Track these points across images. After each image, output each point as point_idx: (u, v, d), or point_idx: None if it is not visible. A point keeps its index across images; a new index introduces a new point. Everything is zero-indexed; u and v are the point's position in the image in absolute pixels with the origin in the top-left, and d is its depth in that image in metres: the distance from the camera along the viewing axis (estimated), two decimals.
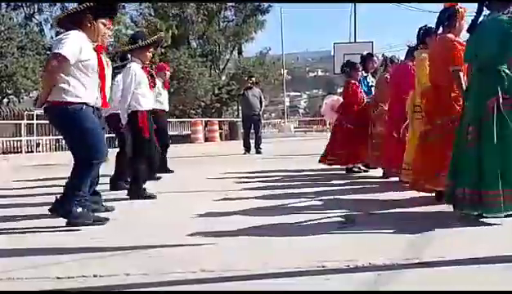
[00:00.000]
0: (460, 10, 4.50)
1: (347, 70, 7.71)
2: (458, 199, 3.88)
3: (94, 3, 3.94)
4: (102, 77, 4.11)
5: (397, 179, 6.07)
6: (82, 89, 3.91)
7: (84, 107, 3.92)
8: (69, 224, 3.93)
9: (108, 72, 4.54)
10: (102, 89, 4.15)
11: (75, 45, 3.83)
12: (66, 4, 22.24)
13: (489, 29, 3.87)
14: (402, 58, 6.71)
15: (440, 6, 4.67)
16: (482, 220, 3.80)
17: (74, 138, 4.05)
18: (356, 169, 7.56)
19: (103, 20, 4.08)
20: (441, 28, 4.61)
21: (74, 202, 3.92)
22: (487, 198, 3.68)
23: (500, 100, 3.71)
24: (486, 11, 3.96)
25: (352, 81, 7.56)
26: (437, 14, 4.63)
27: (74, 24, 3.98)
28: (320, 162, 7.71)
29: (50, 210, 3.99)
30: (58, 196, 4.01)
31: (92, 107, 4.05)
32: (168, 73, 8.51)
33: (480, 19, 3.99)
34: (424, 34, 5.47)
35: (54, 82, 3.84)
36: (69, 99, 3.86)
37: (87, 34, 3.99)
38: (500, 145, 3.70)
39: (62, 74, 3.84)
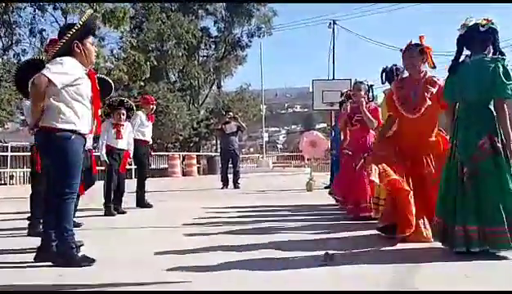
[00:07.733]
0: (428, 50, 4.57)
1: (343, 101, 7.66)
2: (451, 237, 3.85)
3: (74, 29, 3.84)
4: (96, 103, 4.03)
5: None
6: (73, 116, 3.80)
7: (73, 136, 3.79)
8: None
9: None
10: (95, 115, 4.07)
11: (65, 70, 3.74)
12: (45, 38, 22.13)
13: (475, 70, 3.90)
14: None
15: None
16: (472, 256, 3.73)
17: (54, 166, 3.88)
18: None
19: (89, 40, 3.99)
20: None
21: (68, 245, 3.76)
22: (494, 234, 3.68)
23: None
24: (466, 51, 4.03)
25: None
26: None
27: (65, 54, 3.86)
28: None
29: (35, 258, 3.82)
30: (40, 244, 3.86)
31: (83, 136, 3.92)
32: (153, 107, 8.42)
33: (461, 59, 4.03)
34: (393, 73, 5.53)
35: (39, 102, 3.71)
36: (60, 126, 3.75)
37: (79, 60, 3.91)
38: (499, 183, 3.75)
39: (53, 100, 3.74)
